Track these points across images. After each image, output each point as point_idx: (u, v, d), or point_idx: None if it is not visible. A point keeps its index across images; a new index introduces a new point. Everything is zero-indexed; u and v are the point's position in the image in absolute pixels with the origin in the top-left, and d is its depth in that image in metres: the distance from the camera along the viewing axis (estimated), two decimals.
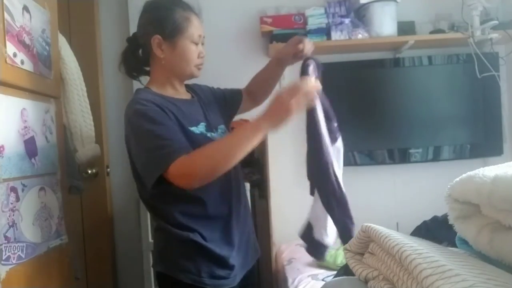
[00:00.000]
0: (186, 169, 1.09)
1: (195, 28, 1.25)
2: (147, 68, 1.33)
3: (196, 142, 1.17)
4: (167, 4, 1.26)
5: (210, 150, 1.11)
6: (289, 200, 2.23)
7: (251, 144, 1.09)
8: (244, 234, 1.31)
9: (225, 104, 1.44)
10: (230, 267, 1.24)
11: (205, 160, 1.10)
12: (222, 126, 1.35)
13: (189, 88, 1.40)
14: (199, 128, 1.25)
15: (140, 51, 1.32)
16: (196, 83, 1.42)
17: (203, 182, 1.12)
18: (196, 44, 1.26)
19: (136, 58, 1.33)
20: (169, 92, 1.29)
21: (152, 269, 2.20)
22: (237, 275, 1.27)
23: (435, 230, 1.17)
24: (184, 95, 1.34)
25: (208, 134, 1.26)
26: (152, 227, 2.19)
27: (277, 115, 1.09)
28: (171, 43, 1.23)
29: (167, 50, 1.24)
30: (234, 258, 1.25)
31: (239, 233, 1.28)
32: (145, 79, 1.38)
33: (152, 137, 1.13)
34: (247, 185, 1.90)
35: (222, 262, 1.23)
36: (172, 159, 1.08)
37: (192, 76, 1.30)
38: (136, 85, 2.38)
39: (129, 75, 1.36)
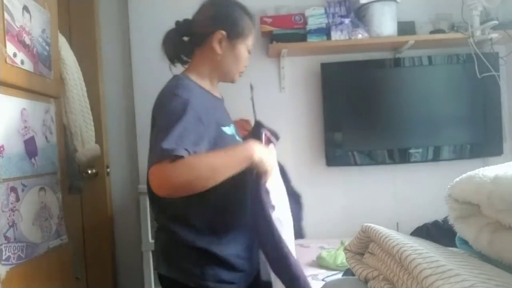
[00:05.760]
0: (162, 175, 1.00)
1: (251, 40, 1.31)
2: (184, 58, 1.33)
3: (228, 143, 1.18)
4: (239, 8, 1.29)
5: (198, 161, 1.03)
6: None
7: (238, 168, 1.08)
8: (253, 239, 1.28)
9: None
10: (237, 271, 1.23)
11: (188, 170, 1.01)
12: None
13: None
14: (231, 129, 1.26)
15: (187, 39, 1.31)
16: None
17: (179, 194, 1.05)
18: (249, 53, 1.32)
19: (179, 45, 1.31)
20: (206, 85, 1.28)
21: (152, 269, 2.20)
22: (245, 280, 1.26)
23: (436, 236, 1.17)
24: (217, 93, 1.34)
25: (237, 137, 1.27)
26: (153, 227, 2.19)
27: (266, 159, 1.13)
28: (232, 43, 1.26)
29: (226, 48, 1.26)
30: (242, 262, 1.23)
31: (248, 238, 1.26)
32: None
33: (162, 130, 1.05)
34: None
35: (228, 266, 1.20)
36: (153, 162, 1.01)
37: (232, 79, 1.33)
38: (136, 84, 2.40)
39: (170, 59, 1.32)
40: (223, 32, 1.24)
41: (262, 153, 1.13)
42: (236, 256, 1.22)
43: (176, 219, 1.20)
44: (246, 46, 1.29)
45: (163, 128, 1.04)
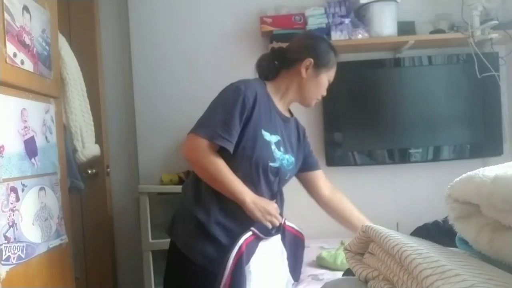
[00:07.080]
0: (199, 150, 1.30)
1: (332, 73, 1.50)
2: (270, 77, 1.50)
3: (259, 143, 1.35)
4: (330, 45, 1.50)
5: (219, 168, 1.32)
6: (289, 199, 2.23)
7: (227, 190, 1.32)
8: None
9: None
10: (223, 250, 1.30)
11: (211, 166, 1.31)
12: (293, 159, 1.47)
13: (292, 116, 1.56)
14: (271, 137, 1.39)
15: (277, 62, 1.49)
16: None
17: (192, 165, 1.38)
18: (328, 83, 1.50)
19: (271, 67, 1.50)
20: (275, 98, 1.46)
21: (152, 269, 2.21)
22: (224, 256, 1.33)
23: (436, 236, 1.17)
24: (284, 111, 1.49)
25: (273, 146, 1.39)
26: (153, 227, 2.20)
27: (257, 210, 1.33)
28: (317, 72, 1.45)
29: (310, 74, 1.45)
30: (230, 241, 1.32)
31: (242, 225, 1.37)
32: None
33: (214, 112, 1.34)
34: None
35: (217, 244, 1.33)
36: (197, 132, 1.31)
37: (308, 103, 1.52)
38: (136, 84, 2.41)
39: (260, 77, 1.52)
40: (311, 60, 1.43)
41: (256, 201, 1.34)
42: (226, 236, 1.34)
43: (190, 193, 1.40)
44: (328, 77, 1.48)
45: (218, 112, 1.33)
